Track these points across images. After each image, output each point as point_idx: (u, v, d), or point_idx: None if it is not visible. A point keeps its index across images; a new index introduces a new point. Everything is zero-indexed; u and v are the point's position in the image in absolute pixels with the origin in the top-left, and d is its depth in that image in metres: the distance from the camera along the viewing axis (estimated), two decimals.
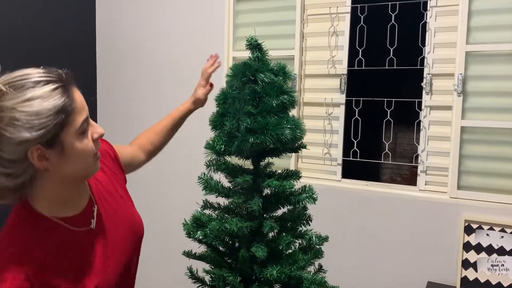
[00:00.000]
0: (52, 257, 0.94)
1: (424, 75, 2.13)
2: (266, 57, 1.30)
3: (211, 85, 1.62)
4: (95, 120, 3.01)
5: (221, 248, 1.41)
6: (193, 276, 1.45)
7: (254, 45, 1.29)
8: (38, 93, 0.87)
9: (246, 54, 1.33)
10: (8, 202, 0.96)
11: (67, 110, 0.89)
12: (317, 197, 1.36)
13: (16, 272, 0.87)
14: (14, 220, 0.95)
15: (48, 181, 0.95)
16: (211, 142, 1.32)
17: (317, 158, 2.42)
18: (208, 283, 1.41)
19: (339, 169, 2.36)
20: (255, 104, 1.27)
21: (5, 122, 0.85)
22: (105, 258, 1.05)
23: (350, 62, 2.32)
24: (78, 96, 0.93)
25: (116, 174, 1.25)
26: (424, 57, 2.14)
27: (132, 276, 1.20)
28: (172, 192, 2.78)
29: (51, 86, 0.88)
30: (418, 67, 2.17)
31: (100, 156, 1.04)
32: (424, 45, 2.14)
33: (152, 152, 1.51)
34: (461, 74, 2.01)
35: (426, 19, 2.12)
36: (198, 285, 1.44)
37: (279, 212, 1.41)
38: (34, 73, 0.90)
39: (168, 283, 2.78)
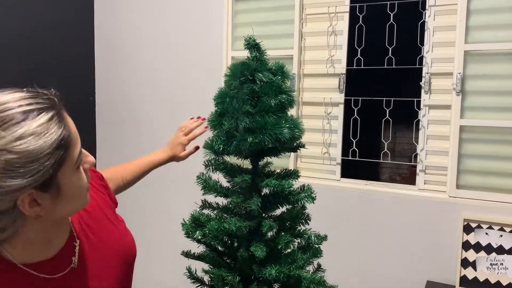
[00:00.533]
0: None
1: (423, 74, 2.13)
2: (265, 56, 1.30)
3: (197, 148, 1.51)
4: (93, 121, 3.01)
5: (220, 248, 1.41)
6: (192, 276, 1.45)
7: (253, 45, 1.29)
8: (31, 128, 0.69)
9: (245, 54, 1.33)
10: None
11: (66, 145, 0.73)
12: (316, 196, 1.36)
13: None
14: None
15: (29, 225, 0.78)
16: (209, 141, 1.32)
17: (316, 158, 2.42)
18: (207, 283, 1.40)
19: (338, 169, 2.36)
20: (253, 104, 1.27)
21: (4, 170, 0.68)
22: None
23: (349, 62, 2.32)
24: (71, 123, 0.77)
25: (102, 192, 1.10)
26: (423, 56, 2.14)
27: None
28: (170, 192, 2.78)
29: (45, 117, 0.71)
30: (417, 66, 2.17)
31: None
32: (422, 45, 2.14)
33: (121, 188, 1.38)
34: (459, 73, 2.01)
35: (425, 18, 2.12)
36: (197, 285, 1.44)
37: (278, 211, 1.41)
38: (19, 101, 0.71)
39: (167, 283, 2.78)
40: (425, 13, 2.12)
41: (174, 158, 1.54)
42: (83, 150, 0.82)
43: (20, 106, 0.70)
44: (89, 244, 0.96)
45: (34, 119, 0.70)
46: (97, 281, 0.95)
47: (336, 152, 2.36)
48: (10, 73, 2.46)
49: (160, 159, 1.51)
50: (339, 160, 2.35)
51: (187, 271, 1.45)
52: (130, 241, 1.09)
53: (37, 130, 0.70)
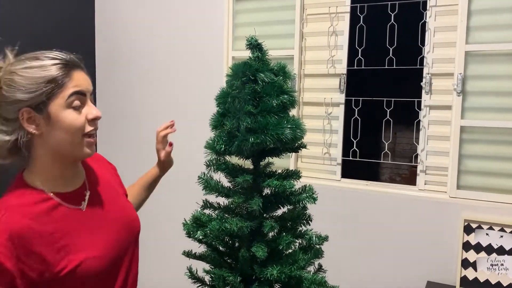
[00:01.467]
0: (38, 224, 0.98)
1: (424, 75, 2.13)
2: (266, 56, 1.30)
3: (170, 145, 1.52)
4: None
5: (221, 248, 1.41)
6: (193, 276, 1.45)
7: (254, 45, 1.29)
8: (38, 64, 0.99)
9: (245, 54, 1.33)
10: (8, 161, 1.04)
11: (57, 83, 0.98)
12: (317, 197, 1.36)
13: None
14: (9, 188, 1.03)
15: (42, 152, 1.03)
16: (211, 141, 1.32)
17: (316, 158, 2.42)
18: (208, 283, 1.40)
19: (338, 169, 2.36)
20: (255, 104, 1.27)
21: (6, 83, 0.98)
22: (93, 236, 1.07)
23: (350, 62, 2.32)
24: (77, 76, 1.02)
25: (115, 176, 1.32)
26: (423, 56, 2.14)
27: (132, 273, 1.21)
28: (171, 192, 2.78)
29: (51, 61, 1.00)
30: (418, 66, 2.17)
31: (92, 151, 1.08)
32: (423, 45, 2.14)
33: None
34: (460, 73, 2.02)
35: (426, 18, 2.12)
36: (198, 285, 1.44)
37: (279, 212, 1.41)
38: (46, 51, 1.02)
39: (168, 284, 2.77)
40: (426, 13, 2.12)
41: (161, 166, 1.55)
42: (92, 105, 1.05)
43: (44, 53, 1.02)
44: (98, 199, 1.15)
45: (44, 61, 1.00)
46: (99, 232, 1.09)
47: (337, 152, 2.36)
48: None
49: (152, 173, 1.55)
50: (339, 160, 2.35)
51: (188, 271, 1.45)
52: (134, 215, 1.25)
53: (41, 66, 0.99)
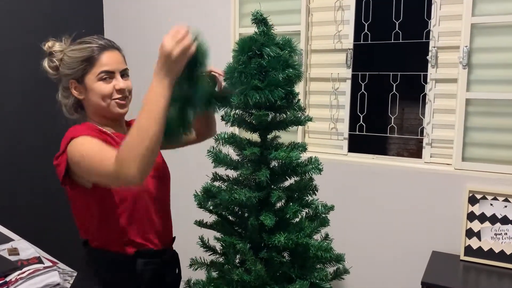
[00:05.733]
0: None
1: (430, 48, 2.14)
2: (272, 31, 1.33)
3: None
4: None
5: (230, 218, 1.47)
6: (205, 244, 1.52)
7: (260, 19, 1.32)
8: (78, 47, 1.28)
9: (252, 31, 1.35)
10: (75, 117, 1.35)
11: (90, 62, 1.26)
12: (322, 167, 1.41)
13: (90, 130, 1.25)
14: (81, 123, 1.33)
15: (90, 111, 1.32)
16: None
17: (323, 133, 2.45)
18: (219, 251, 1.47)
19: (345, 144, 2.40)
20: (261, 78, 1.30)
21: (62, 62, 1.29)
22: None
23: (356, 37, 2.32)
24: (107, 57, 1.28)
25: None
26: (429, 30, 2.14)
27: (167, 207, 1.41)
28: (183, 166, 2.84)
29: (87, 45, 1.28)
30: (424, 40, 2.18)
31: (120, 111, 1.32)
32: (429, 18, 2.14)
33: (203, 133, 1.51)
34: (466, 46, 2.02)
35: None
36: (209, 253, 1.50)
37: (286, 183, 1.46)
38: (89, 37, 1.31)
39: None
40: None
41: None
42: (119, 78, 1.29)
43: (86, 38, 1.30)
44: None
45: (83, 44, 1.29)
46: None
47: (344, 127, 2.39)
48: (13, 67, 2.52)
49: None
50: (346, 135, 2.39)
51: (199, 240, 1.52)
52: (164, 164, 1.43)
53: (80, 49, 1.28)
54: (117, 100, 1.29)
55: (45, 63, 1.33)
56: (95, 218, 1.26)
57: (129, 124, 1.43)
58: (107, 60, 1.28)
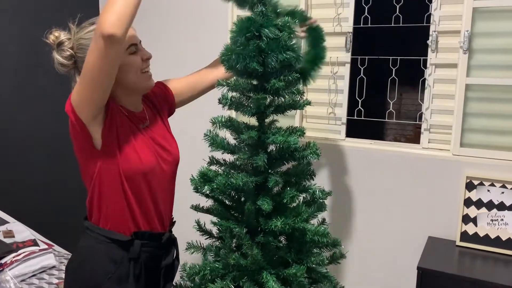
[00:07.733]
0: (117, 116, 1.31)
1: (430, 33, 2.11)
2: (270, 11, 1.30)
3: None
4: None
5: (227, 202, 1.46)
6: (201, 228, 1.51)
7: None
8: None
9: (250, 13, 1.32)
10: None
11: None
12: (320, 152, 1.39)
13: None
14: None
15: (119, 90, 1.32)
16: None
17: (321, 118, 2.43)
18: (216, 235, 1.46)
19: (343, 128, 2.38)
20: (260, 61, 1.28)
21: (78, 48, 1.27)
22: (148, 141, 1.37)
23: (356, 20, 2.29)
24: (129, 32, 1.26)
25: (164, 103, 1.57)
26: (430, 14, 2.11)
27: (172, 192, 1.46)
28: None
29: None
30: (424, 24, 2.15)
31: (152, 83, 1.38)
32: (430, 2, 2.10)
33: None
34: (467, 31, 1.99)
35: None
36: (206, 237, 1.50)
37: (284, 168, 1.45)
38: (96, 18, 1.26)
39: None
40: None
41: None
42: (143, 49, 1.34)
43: (95, 19, 1.27)
44: (152, 126, 1.43)
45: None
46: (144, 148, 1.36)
47: (342, 112, 2.37)
48: (14, 66, 2.47)
49: None
50: (344, 120, 2.37)
51: (196, 224, 1.51)
52: (175, 145, 1.48)
53: None
54: (146, 74, 1.33)
55: (57, 55, 1.28)
56: (102, 187, 1.28)
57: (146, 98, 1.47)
58: (130, 33, 1.27)
